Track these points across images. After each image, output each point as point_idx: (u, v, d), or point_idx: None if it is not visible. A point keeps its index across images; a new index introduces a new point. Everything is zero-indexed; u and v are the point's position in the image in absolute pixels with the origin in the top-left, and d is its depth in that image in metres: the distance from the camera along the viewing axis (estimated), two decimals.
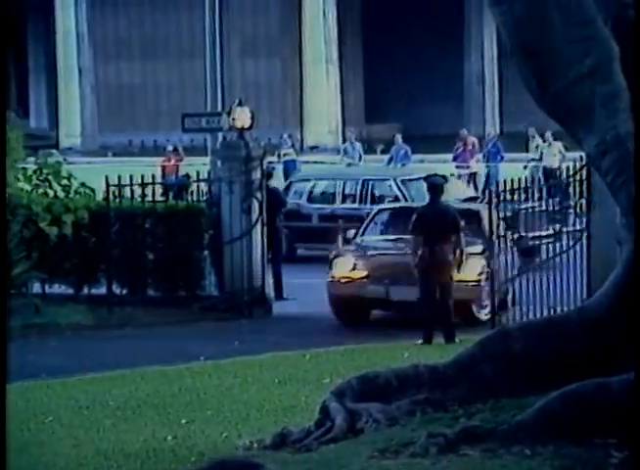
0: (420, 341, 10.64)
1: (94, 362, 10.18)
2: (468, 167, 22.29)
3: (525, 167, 21.40)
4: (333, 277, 12.16)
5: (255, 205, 13.53)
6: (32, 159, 14.81)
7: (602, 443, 5.40)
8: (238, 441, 6.58)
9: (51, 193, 14.05)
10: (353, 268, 12.08)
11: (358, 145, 24.40)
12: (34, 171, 14.30)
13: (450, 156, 23.56)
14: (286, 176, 22.93)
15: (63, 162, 15.14)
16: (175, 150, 23.53)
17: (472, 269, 11.56)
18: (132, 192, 13.54)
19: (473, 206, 13.61)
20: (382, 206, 13.89)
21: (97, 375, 9.42)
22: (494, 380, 6.10)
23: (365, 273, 11.99)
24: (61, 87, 32.97)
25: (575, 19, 5.93)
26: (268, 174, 14.84)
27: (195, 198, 14.06)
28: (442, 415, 5.92)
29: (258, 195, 13.55)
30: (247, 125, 13.89)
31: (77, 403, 8.06)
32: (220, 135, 15.42)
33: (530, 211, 12.45)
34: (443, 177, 11.53)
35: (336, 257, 12.39)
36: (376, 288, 11.82)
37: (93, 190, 14.20)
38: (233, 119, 13.97)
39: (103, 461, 6.54)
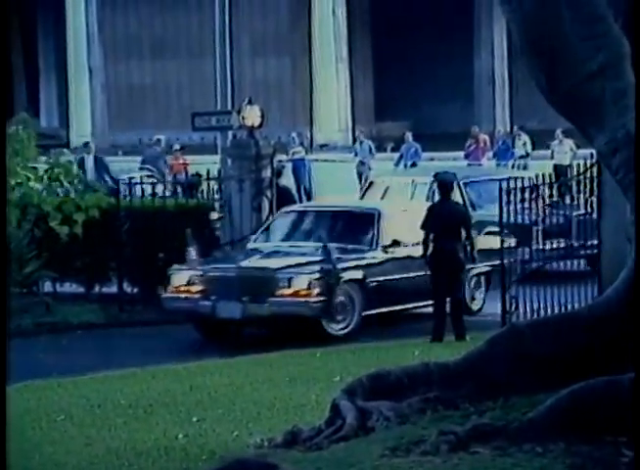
0: (430, 339, 10.64)
1: (105, 361, 10.21)
2: (480, 165, 22.27)
3: (513, 166, 21.31)
4: (167, 291, 11.51)
5: (265, 203, 13.55)
6: (43, 158, 14.86)
7: (613, 441, 5.39)
8: (249, 439, 6.59)
9: (62, 192, 14.10)
10: (188, 283, 11.33)
11: (369, 143, 24.38)
12: (45, 171, 14.35)
13: (461, 153, 23.54)
14: (295, 175, 22.95)
15: (74, 161, 15.18)
16: (182, 149, 23.60)
17: (299, 284, 10.92)
18: (142, 190, 13.57)
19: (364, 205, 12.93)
20: (285, 208, 12.94)
21: (108, 374, 9.44)
22: (505, 378, 6.10)
23: (199, 288, 11.24)
24: (71, 86, 33.02)
25: (586, 16, 5.92)
26: (278, 173, 14.87)
27: (205, 196, 14.09)
28: (453, 413, 5.92)
29: (268, 193, 13.57)
30: (256, 124, 13.91)
31: (89, 402, 8.08)
32: (230, 134, 15.45)
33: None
34: (453, 175, 11.51)
35: (174, 270, 11.60)
36: (204, 304, 11.13)
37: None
38: (243, 118, 14.00)
39: (114, 460, 6.56)
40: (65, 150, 17.68)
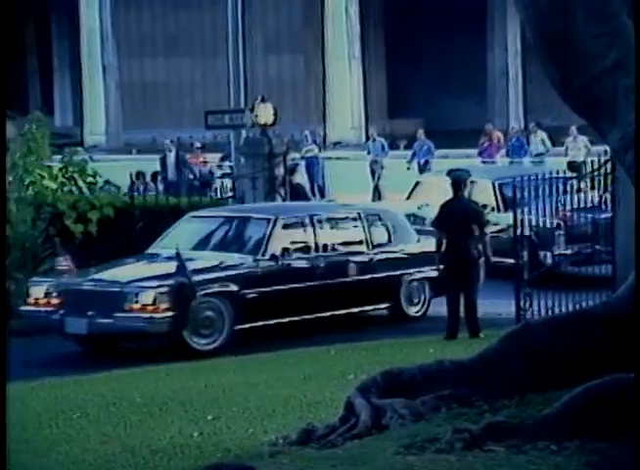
0: (444, 336, 10.64)
1: (121, 359, 10.24)
2: (493, 162, 22.20)
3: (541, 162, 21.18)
4: (26, 303, 10.93)
5: (279, 201, 13.56)
6: (58, 157, 14.91)
7: (628, 438, 5.38)
8: (263, 437, 6.61)
9: (76, 191, 14.15)
10: (45, 296, 10.77)
11: (382, 140, 24.34)
12: (60, 169, 14.41)
13: (474, 151, 23.48)
14: (308, 173, 22.93)
15: (88, 159, 15.25)
16: (202, 147, 23.63)
17: (145, 298, 10.20)
18: (157, 188, 13.61)
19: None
20: (193, 213, 12.27)
21: (124, 372, 9.48)
22: (520, 375, 6.09)
23: (53, 301, 10.70)
24: (85, 85, 33.11)
25: (600, 12, 5.90)
26: (291, 170, 14.88)
27: (218, 194, 14.12)
28: (468, 411, 5.92)
29: (282, 191, 13.60)
30: (270, 122, 13.93)
31: (105, 400, 8.11)
32: (243, 132, 15.48)
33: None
34: (467, 172, 11.49)
35: (32, 282, 11.16)
36: (55, 318, 10.67)
37: (118, 187, 14.29)
38: (256, 116, 14.03)
39: (130, 457, 6.58)
40: (79, 148, 17.75)
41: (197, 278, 10.35)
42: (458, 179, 11.13)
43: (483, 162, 22.23)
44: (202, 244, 11.21)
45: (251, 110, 14.32)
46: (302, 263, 11.10)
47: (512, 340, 6.25)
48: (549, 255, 11.41)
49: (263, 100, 14.08)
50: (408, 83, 32.80)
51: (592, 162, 11.77)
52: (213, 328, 10.47)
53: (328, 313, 11.07)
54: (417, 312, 11.97)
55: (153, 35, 34.54)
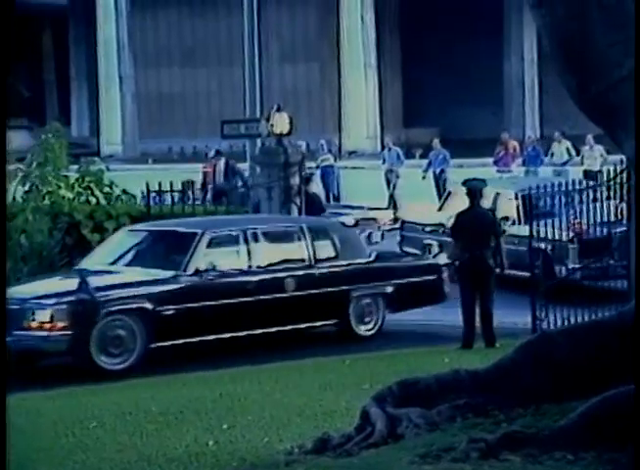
0: (460, 346, 10.62)
1: (136, 368, 10.26)
2: (509, 172, 22.18)
3: (560, 174, 21.15)
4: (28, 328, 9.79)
5: (294, 210, 13.58)
6: (75, 166, 14.98)
7: None
8: (279, 446, 6.61)
9: (93, 200, 14.21)
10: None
11: (397, 149, 24.33)
12: (77, 179, 14.47)
13: (490, 160, 23.45)
14: (324, 182, 22.94)
15: (105, 169, 15.32)
16: (218, 153, 23.67)
17: (42, 316, 9.62)
18: (172, 198, 13.65)
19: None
20: (130, 227, 11.96)
21: (140, 381, 9.50)
22: (536, 385, 6.07)
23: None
24: (102, 95, 33.28)
25: (617, 20, 5.89)
26: (307, 180, 14.89)
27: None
28: (483, 420, 5.90)
29: (297, 200, 13.61)
30: (285, 131, 13.96)
31: (121, 409, 8.14)
32: (259, 141, 15.52)
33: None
34: (483, 181, 11.49)
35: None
36: None
37: (134, 196, 14.34)
38: (272, 125, 14.06)
39: (146, 466, 6.60)
40: (95, 158, 17.84)
41: (105, 295, 9.92)
42: (474, 189, 11.12)
43: (499, 171, 22.20)
44: (129, 259, 10.83)
45: (267, 119, 14.36)
46: (231, 279, 10.62)
47: (528, 350, 6.23)
48: (563, 268, 11.27)
49: (279, 109, 14.11)
50: (424, 92, 32.81)
51: (608, 171, 11.75)
52: (124, 347, 9.99)
53: (264, 330, 10.61)
54: (368, 330, 11.38)
55: (169, 45, 34.69)
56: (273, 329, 10.73)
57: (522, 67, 32.10)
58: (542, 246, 11.64)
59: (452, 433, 5.77)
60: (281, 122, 13.92)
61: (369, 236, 17.27)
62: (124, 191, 14.32)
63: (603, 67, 5.90)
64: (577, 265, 11.76)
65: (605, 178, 11.81)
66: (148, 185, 13.64)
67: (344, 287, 11.20)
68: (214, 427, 7.39)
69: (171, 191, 13.71)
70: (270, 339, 10.81)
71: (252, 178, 14.99)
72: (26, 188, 14.14)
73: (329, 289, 11.12)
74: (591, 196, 11.64)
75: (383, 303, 11.36)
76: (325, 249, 11.23)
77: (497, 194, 13.83)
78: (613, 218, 11.33)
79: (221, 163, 20.23)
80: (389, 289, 11.29)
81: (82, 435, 7.41)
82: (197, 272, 10.49)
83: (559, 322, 10.58)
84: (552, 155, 23.00)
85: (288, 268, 10.99)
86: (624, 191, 10.97)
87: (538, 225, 11.21)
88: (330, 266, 11.20)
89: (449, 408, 6.02)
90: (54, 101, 37.05)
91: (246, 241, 10.79)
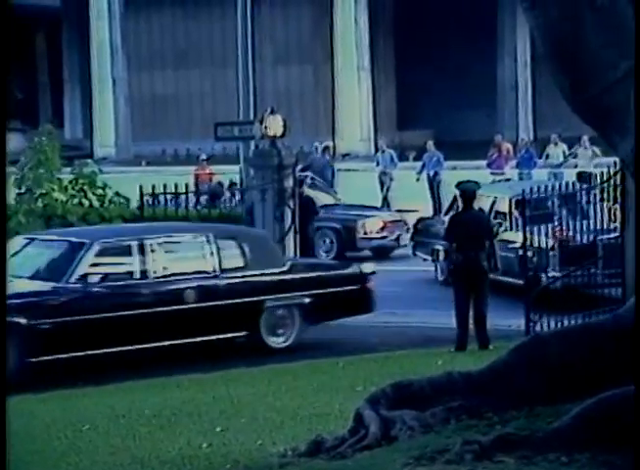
0: (453, 348, 10.62)
1: (129, 370, 10.24)
2: (502, 174, 22.20)
3: (555, 176, 21.17)
4: None
5: (288, 213, 13.57)
6: (68, 169, 14.96)
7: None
8: (272, 448, 6.60)
9: (86, 203, 14.19)
10: None
11: (391, 152, 24.35)
12: (70, 182, 14.46)
13: (483, 162, 23.47)
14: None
15: (98, 172, 15.29)
16: (208, 159, 23.67)
17: None
18: (166, 201, 13.63)
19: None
20: (25, 235, 11.35)
21: (133, 383, 9.48)
22: (529, 387, 6.07)
23: None
24: (95, 98, 33.24)
25: (610, 22, 5.89)
26: (300, 182, 14.89)
27: (227, 206, 14.13)
28: (477, 422, 5.90)
29: (291, 203, 13.60)
30: (279, 133, 13.95)
31: (114, 412, 8.12)
32: (253, 143, 15.51)
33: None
34: (476, 183, 11.49)
35: None
36: None
37: (127, 199, 14.32)
38: (265, 128, 14.04)
39: (139, 469, 6.58)
40: (89, 161, 17.82)
41: None
42: (467, 191, 11.13)
43: (492, 173, 22.21)
44: (19, 268, 10.18)
45: (261, 121, 14.35)
46: (121, 291, 10.23)
47: (522, 352, 6.23)
48: (546, 276, 11.21)
49: (272, 112, 14.10)
50: (417, 94, 32.83)
51: (602, 173, 11.74)
52: None
53: (161, 343, 10.17)
54: (281, 342, 10.91)
55: (162, 48, 34.66)
56: (173, 342, 10.23)
57: (515, 69, 32.13)
58: (528, 253, 11.63)
59: (446, 435, 5.77)
60: (274, 125, 13.91)
61: (397, 238, 17.16)
62: (117, 193, 14.29)
63: (596, 68, 5.90)
64: (558, 274, 11.67)
65: (598, 181, 11.80)
66: (141, 188, 13.62)
67: (255, 298, 10.70)
68: (208, 429, 7.38)
69: (165, 193, 13.69)
70: (177, 351, 10.35)
71: (246, 181, 14.98)
72: (20, 190, 14.11)
73: (236, 300, 10.60)
74: (585, 199, 11.63)
75: (299, 314, 10.89)
76: (233, 258, 10.75)
77: (495, 198, 13.79)
78: (606, 221, 11.26)
79: None
80: (306, 300, 10.85)
81: (75, 437, 7.39)
82: (81, 283, 10.09)
83: (552, 324, 10.58)
84: (547, 156, 23.04)
85: (188, 279, 10.52)
86: (618, 193, 10.97)
87: (532, 232, 11.18)
88: (238, 276, 10.69)
89: (443, 411, 6.01)
90: (47, 103, 36.98)
91: (142, 250, 10.32)
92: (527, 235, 11.15)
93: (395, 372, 8.54)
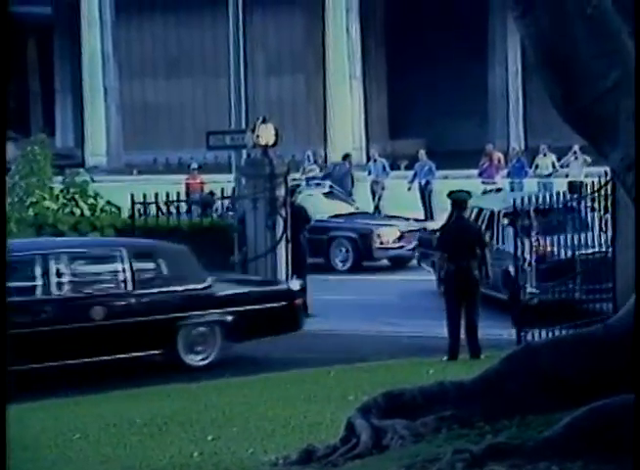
0: (445, 357, 10.62)
1: (120, 379, 10.22)
2: (494, 183, 22.26)
3: (545, 186, 21.21)
4: None
5: (280, 221, 13.57)
6: (59, 178, 14.95)
7: (630, 459, 5.35)
8: (264, 457, 6.58)
9: (77, 212, 14.17)
10: None
11: (383, 161, 24.38)
12: (61, 190, 14.44)
13: (475, 171, 23.52)
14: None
15: (89, 180, 15.28)
16: (199, 168, 23.68)
17: None
18: (158, 210, 13.63)
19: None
20: None
21: (124, 392, 9.46)
22: (521, 396, 6.08)
23: None
24: (86, 106, 33.22)
25: (600, 31, 5.91)
26: (292, 191, 14.88)
27: (219, 215, 14.13)
28: (468, 431, 5.90)
29: (283, 211, 13.59)
30: (271, 142, 13.95)
31: (104, 421, 8.09)
32: (244, 152, 15.51)
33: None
34: (468, 193, 11.51)
35: None
36: None
37: (119, 208, 14.31)
38: (257, 137, 14.05)
39: None
40: (80, 169, 17.80)
41: None
42: (459, 200, 11.14)
43: (484, 182, 22.26)
44: None
45: (253, 130, 14.35)
46: (21, 308, 9.82)
47: (513, 361, 6.24)
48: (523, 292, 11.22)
49: (264, 121, 14.11)
50: (409, 104, 32.89)
51: (592, 183, 11.77)
52: None
53: (72, 361, 9.87)
54: (200, 360, 10.55)
55: (154, 56, 34.68)
56: (83, 360, 9.93)
57: (506, 78, 32.22)
58: (510, 268, 11.64)
59: (437, 444, 5.77)
60: (266, 134, 13.92)
61: (414, 248, 16.91)
62: (109, 202, 14.28)
63: (587, 78, 5.92)
64: (535, 290, 11.67)
65: (589, 190, 11.83)
66: (133, 196, 13.60)
67: (171, 315, 10.38)
68: (199, 438, 7.36)
69: (156, 203, 13.68)
70: (89, 369, 10.09)
71: (238, 190, 14.97)
72: (11, 199, 14.09)
73: (150, 317, 10.29)
74: (576, 209, 11.62)
75: (220, 332, 10.55)
76: (148, 273, 10.49)
77: (480, 210, 13.79)
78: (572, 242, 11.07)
79: None
80: (228, 317, 10.52)
81: (65, 447, 7.37)
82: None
83: (544, 334, 10.59)
84: (537, 167, 23.11)
85: (97, 295, 10.24)
86: (609, 203, 10.99)
87: (523, 244, 11.17)
88: (152, 293, 10.39)
89: (434, 420, 6.01)
90: (38, 112, 36.95)
91: (44, 266, 9.97)
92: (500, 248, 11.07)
93: (387, 381, 8.53)
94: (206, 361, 10.60)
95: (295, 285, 11.68)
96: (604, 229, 11.26)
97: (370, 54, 33.10)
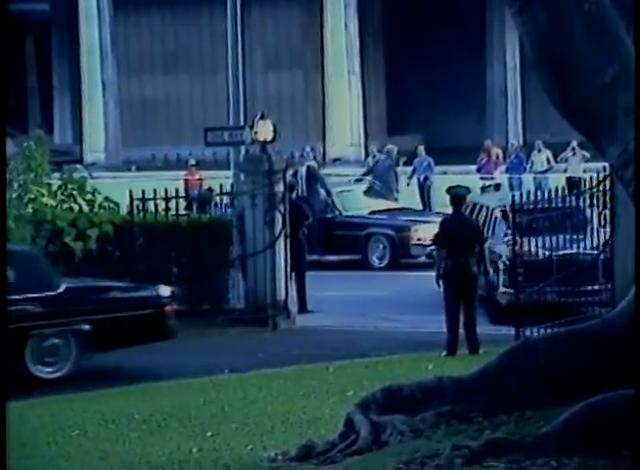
0: (444, 353, 10.63)
1: (118, 376, 10.23)
2: (492, 179, 22.25)
3: (540, 183, 21.15)
4: None
5: (278, 217, 13.57)
6: (57, 174, 14.92)
7: (628, 454, 5.37)
8: (263, 453, 6.59)
9: (76, 208, 14.16)
10: None
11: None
12: (59, 187, 14.41)
13: (473, 167, 23.51)
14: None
15: (88, 177, 15.26)
16: (196, 164, 23.66)
17: None
18: (156, 206, 13.62)
19: None
20: None
21: (123, 389, 9.46)
22: (519, 392, 6.09)
23: None
24: (84, 103, 33.17)
25: (598, 28, 5.92)
26: (291, 187, 14.88)
27: (218, 211, 14.13)
28: (467, 427, 5.91)
29: (281, 208, 13.59)
30: (269, 138, 13.94)
31: (103, 417, 8.10)
32: (243, 149, 15.50)
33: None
34: (466, 188, 11.51)
35: None
36: None
37: (117, 204, 14.29)
38: (255, 133, 14.03)
39: None
40: (78, 166, 17.77)
41: None
42: (457, 196, 11.15)
43: (482, 178, 22.25)
44: None
45: (251, 126, 14.34)
46: None
47: (511, 357, 6.25)
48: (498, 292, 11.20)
49: (263, 117, 14.09)
50: (408, 100, 32.87)
51: (590, 178, 11.78)
52: None
53: None
54: (52, 372, 9.87)
55: (152, 52, 34.63)
56: None
57: (504, 74, 32.20)
58: (490, 269, 11.60)
59: (436, 440, 5.78)
60: (265, 130, 13.90)
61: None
62: (107, 198, 14.26)
63: (585, 74, 5.92)
64: (508, 290, 11.64)
65: (587, 186, 11.84)
66: (131, 193, 13.59)
67: (17, 324, 9.58)
68: (198, 434, 7.37)
69: (155, 199, 13.66)
70: None
71: (236, 186, 14.96)
72: (9, 196, 14.07)
73: None
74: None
75: (75, 342, 9.88)
76: None
77: (480, 207, 13.78)
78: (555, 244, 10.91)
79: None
80: (85, 326, 9.86)
81: (64, 443, 7.37)
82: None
83: (542, 330, 10.59)
84: (532, 163, 23.11)
85: None
86: (607, 198, 11.00)
87: (522, 245, 11.16)
88: None
89: (433, 415, 6.02)
90: (36, 108, 36.89)
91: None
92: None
93: (386, 377, 8.54)
94: (59, 374, 9.94)
95: (164, 291, 10.66)
96: (602, 224, 11.27)
97: (368, 50, 33.07)
